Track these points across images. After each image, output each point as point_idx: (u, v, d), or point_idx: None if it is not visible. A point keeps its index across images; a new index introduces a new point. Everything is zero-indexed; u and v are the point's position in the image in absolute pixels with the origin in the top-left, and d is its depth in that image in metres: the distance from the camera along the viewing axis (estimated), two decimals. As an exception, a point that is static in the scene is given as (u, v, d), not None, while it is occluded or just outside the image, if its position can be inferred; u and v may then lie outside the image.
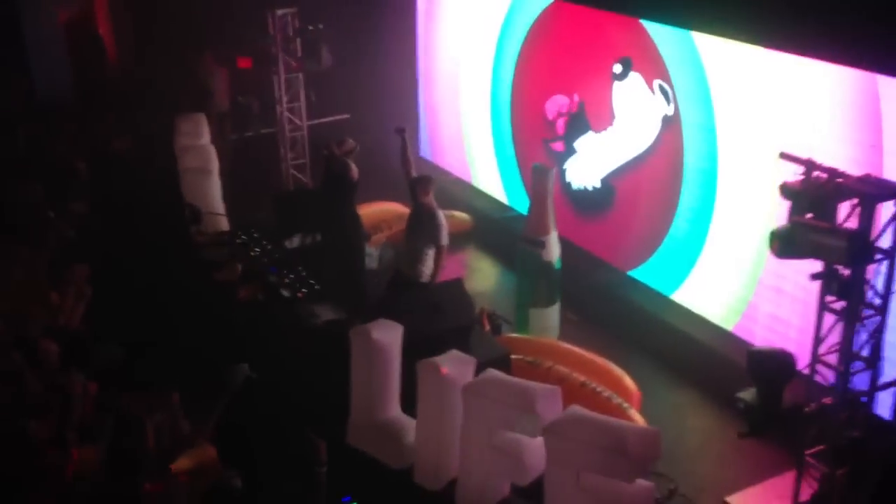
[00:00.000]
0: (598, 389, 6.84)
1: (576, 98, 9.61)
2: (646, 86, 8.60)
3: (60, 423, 4.68)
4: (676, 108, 8.29)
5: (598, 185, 9.41)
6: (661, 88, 8.44)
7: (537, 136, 10.27)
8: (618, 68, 8.92)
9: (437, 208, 7.52)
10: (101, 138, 9.42)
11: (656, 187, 8.66)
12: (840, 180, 5.43)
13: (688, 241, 8.27)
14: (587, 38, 9.38)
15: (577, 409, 4.60)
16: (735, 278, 7.73)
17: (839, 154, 6.34)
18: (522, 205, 10.33)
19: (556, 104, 9.99)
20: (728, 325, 7.83)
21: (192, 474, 4.66)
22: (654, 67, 8.47)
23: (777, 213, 6.08)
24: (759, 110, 7.40)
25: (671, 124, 8.37)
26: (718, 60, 7.79)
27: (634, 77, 8.75)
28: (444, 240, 7.42)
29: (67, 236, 7.19)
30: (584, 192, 9.60)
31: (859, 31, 5.84)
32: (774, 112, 7.24)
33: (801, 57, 6.70)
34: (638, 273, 8.86)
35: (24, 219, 7.29)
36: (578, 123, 9.67)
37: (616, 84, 8.95)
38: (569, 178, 9.72)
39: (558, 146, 9.98)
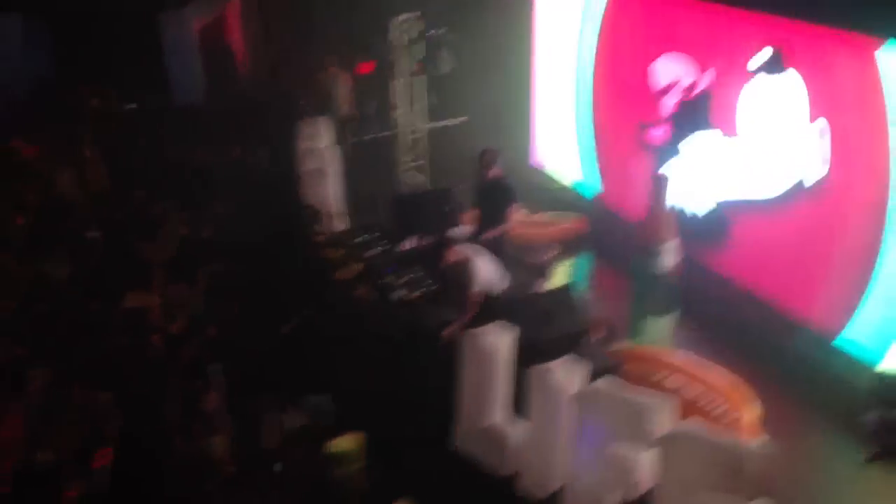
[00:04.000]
0: (714, 404, 6.63)
1: (708, 76, 7.07)
2: (806, 104, 6.54)
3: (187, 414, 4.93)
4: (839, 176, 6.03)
5: (712, 215, 7.61)
6: (823, 133, 6.36)
7: (629, 116, 8.08)
8: (761, 57, 6.65)
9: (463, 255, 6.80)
10: (230, 142, 9.84)
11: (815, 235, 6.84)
12: None
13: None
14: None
15: (692, 422, 4.51)
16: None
17: None
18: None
19: (673, 70, 7.27)
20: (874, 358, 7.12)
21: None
22: (827, 85, 6.30)
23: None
24: None
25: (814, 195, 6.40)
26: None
27: (789, 78, 6.62)
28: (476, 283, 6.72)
29: (179, 235, 7.55)
30: (681, 217, 7.71)
31: None
32: None
33: None
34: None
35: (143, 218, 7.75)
36: (697, 114, 7.38)
37: (756, 80, 6.94)
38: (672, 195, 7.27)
39: (657, 135, 7.86)
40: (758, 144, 7.46)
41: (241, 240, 7.80)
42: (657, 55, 8.15)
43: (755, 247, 8.05)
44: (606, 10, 9.50)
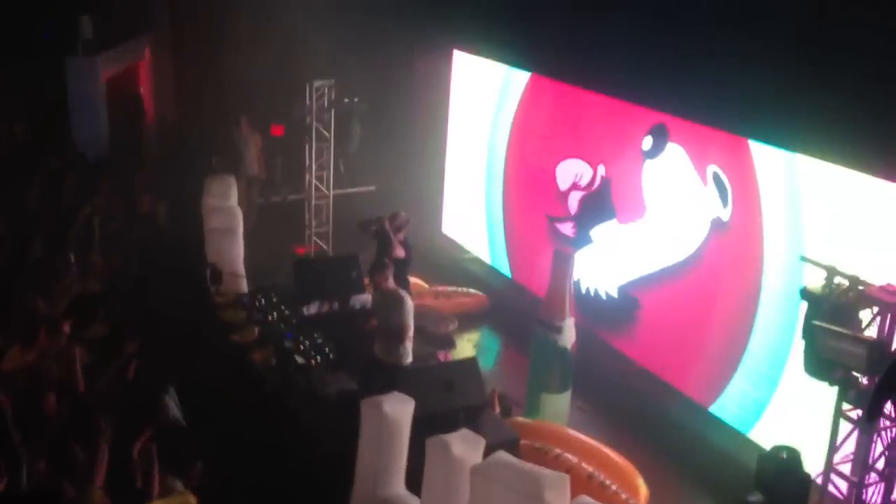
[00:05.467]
0: (607, 482, 6.72)
1: (600, 171, 8.04)
2: (693, 169, 7.19)
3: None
4: (742, 212, 6.63)
5: (615, 295, 8.15)
6: (717, 178, 6.96)
7: (537, 207, 8.97)
8: (648, 142, 7.48)
9: (401, 290, 7.25)
10: (133, 195, 9.58)
11: (697, 312, 7.29)
12: (861, 287, 5.44)
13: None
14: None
15: (585, 499, 4.53)
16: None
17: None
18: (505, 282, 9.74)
19: (573, 172, 8.28)
20: (744, 427, 7.61)
21: None
22: (706, 145, 6.96)
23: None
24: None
25: (724, 232, 6.93)
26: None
27: (675, 153, 7.27)
28: (410, 320, 7.07)
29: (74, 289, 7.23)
30: (593, 300, 8.25)
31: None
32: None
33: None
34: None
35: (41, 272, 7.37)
36: (598, 206, 8.12)
37: (647, 163, 7.61)
38: (576, 275, 7.84)
39: (567, 229, 8.64)
40: (664, 216, 7.86)
41: (136, 296, 7.53)
42: (561, 151, 8.73)
43: (648, 327, 8.36)
44: (520, 102, 9.90)
